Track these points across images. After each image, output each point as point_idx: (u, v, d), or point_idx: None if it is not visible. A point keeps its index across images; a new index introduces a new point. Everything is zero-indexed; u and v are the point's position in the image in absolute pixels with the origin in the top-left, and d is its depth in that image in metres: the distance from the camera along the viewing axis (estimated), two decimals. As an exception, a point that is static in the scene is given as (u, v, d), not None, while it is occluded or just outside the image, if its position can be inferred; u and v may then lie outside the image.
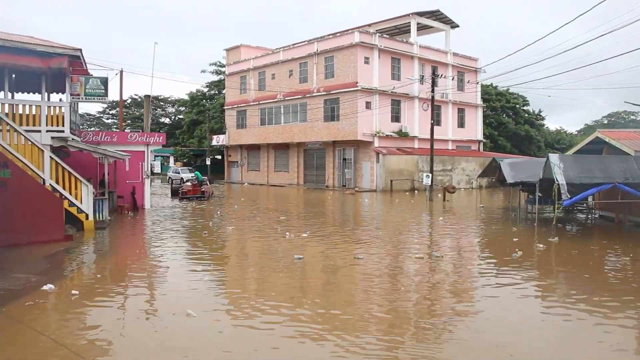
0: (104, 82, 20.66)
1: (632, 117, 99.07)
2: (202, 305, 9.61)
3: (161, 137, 28.15)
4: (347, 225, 22.11)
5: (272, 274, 12.74)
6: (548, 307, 10.11)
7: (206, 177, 40.21)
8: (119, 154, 21.67)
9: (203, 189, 34.20)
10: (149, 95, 28.14)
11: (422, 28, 49.49)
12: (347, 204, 32.40)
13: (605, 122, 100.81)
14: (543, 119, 72.21)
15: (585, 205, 26.24)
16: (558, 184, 18.31)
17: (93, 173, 22.89)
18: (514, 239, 18.29)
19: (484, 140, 55.82)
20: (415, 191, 42.27)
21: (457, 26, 50.25)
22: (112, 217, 22.02)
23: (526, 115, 67.72)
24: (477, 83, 50.18)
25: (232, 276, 12.77)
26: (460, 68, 49.29)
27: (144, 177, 27.07)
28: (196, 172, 39.83)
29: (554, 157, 19.61)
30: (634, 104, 28.84)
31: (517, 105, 66.89)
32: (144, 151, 27.11)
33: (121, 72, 32.04)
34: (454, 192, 34.44)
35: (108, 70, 71.17)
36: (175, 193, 35.34)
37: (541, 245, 16.86)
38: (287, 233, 18.73)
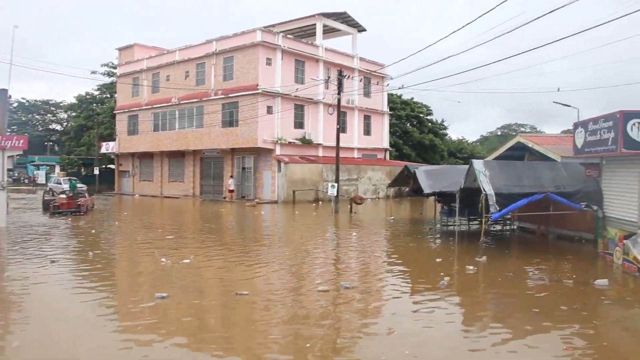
0: None
1: (522, 128, 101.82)
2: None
3: (21, 141, 23.07)
4: (241, 245, 18.34)
5: (112, 325, 8.83)
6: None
7: (85, 188, 34.98)
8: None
9: (79, 202, 29.11)
10: (5, 90, 23.07)
11: (328, 31, 46.55)
12: (245, 218, 28.57)
13: (499, 133, 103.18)
14: (446, 128, 71.59)
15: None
16: (485, 194, 15.53)
17: None
18: (437, 259, 15.40)
19: (390, 149, 53.64)
20: (320, 202, 39.06)
21: (365, 30, 47.73)
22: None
23: (430, 124, 66.65)
24: (387, 85, 47.37)
25: (52, 337, 8.59)
26: (367, 73, 46.68)
27: (-4, 189, 22.02)
28: (72, 181, 34.51)
29: (478, 164, 16.88)
30: (562, 104, 27.49)
31: (421, 115, 65.67)
32: (-3, 157, 22.05)
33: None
34: (361, 203, 31.43)
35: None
36: (46, 207, 29.92)
37: (471, 267, 14.04)
38: (164, 259, 14.76)
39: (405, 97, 64.51)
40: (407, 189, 26.77)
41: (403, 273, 13.98)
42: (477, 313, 10.24)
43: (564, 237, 19.87)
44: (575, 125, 16.34)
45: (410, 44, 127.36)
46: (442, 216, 23.69)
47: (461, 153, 69.88)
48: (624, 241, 14.30)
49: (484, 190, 15.62)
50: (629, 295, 11.77)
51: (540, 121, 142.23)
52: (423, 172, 21.36)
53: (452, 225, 23.68)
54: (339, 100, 31.17)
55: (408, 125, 63.79)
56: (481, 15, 17.81)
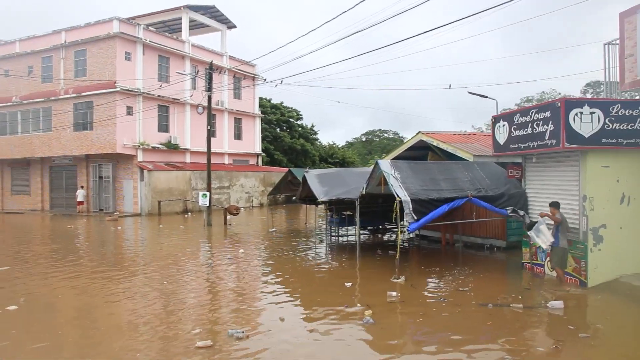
0: None
1: (385, 134, 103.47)
2: None
3: None
4: (95, 275, 13.85)
5: None
6: None
7: None
8: None
9: None
10: None
11: (196, 26, 42.28)
12: (103, 236, 23.58)
13: (363, 139, 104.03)
14: (316, 133, 69.60)
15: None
16: (400, 201, 12.64)
17: None
18: (346, 284, 12.20)
19: (262, 154, 50.31)
20: (189, 213, 34.75)
21: (235, 27, 43.98)
22: None
23: (300, 129, 64.32)
24: (264, 80, 43.42)
25: None
26: (238, 73, 42.88)
27: None
28: None
29: (384, 165, 14.01)
30: (479, 95, 25.59)
31: (292, 119, 63.18)
32: None
33: None
34: (237, 213, 27.71)
35: None
36: None
37: (394, 294, 11.07)
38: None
39: (275, 101, 61.85)
40: (293, 197, 23.62)
41: (310, 306, 10.51)
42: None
43: (473, 245, 17.68)
44: (496, 119, 13.96)
45: (282, 44, 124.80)
46: (332, 226, 20.78)
47: (332, 158, 68.33)
48: (529, 232, 12.26)
49: (398, 195, 12.72)
50: (599, 322, 9.26)
51: (403, 127, 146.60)
52: (315, 177, 18.17)
53: (344, 236, 20.87)
54: (209, 98, 27.18)
55: (278, 130, 61.01)
56: (338, 15, 16.00)
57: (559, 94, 70.17)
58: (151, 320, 9.41)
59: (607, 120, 11.23)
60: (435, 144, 17.71)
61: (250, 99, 46.27)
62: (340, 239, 20.50)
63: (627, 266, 11.70)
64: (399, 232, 13.13)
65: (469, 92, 25.56)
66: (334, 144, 75.83)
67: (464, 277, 12.81)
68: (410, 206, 12.56)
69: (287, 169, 26.43)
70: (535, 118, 12.01)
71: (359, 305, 10.21)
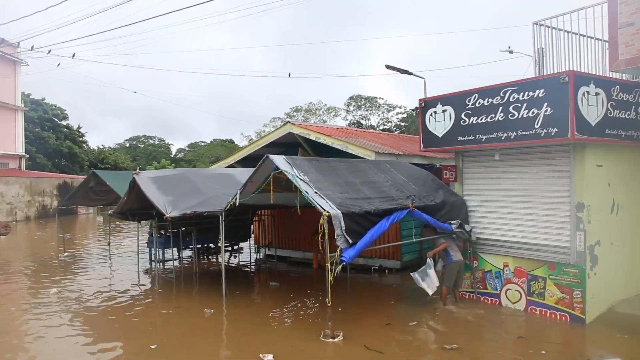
0: None
1: (151, 140, 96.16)
2: None
3: None
4: None
5: None
6: None
7: None
8: None
9: None
10: None
11: None
12: None
13: (127, 145, 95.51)
14: (83, 135, 59.79)
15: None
16: (329, 216, 8.11)
17: None
18: (264, 357, 7.37)
19: (26, 156, 40.58)
20: None
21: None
22: None
23: (66, 130, 54.43)
24: (27, 63, 34.60)
25: None
26: (-6, 55, 33.22)
27: None
28: None
29: (281, 163, 9.29)
30: (399, 70, 20.86)
31: (56, 118, 53.08)
32: None
33: None
34: (7, 232, 19.93)
35: None
36: None
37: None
38: None
39: (36, 96, 51.30)
40: (53, 208, 17.23)
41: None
42: None
43: (354, 266, 13.76)
44: (427, 103, 10.23)
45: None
46: (151, 248, 15.21)
47: (103, 163, 59.33)
48: (413, 274, 9.43)
49: (321, 208, 8.14)
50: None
51: (168, 134, 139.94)
52: (151, 182, 12.40)
53: (169, 260, 15.40)
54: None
55: (40, 129, 50.51)
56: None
57: (325, 105, 68.27)
58: None
59: (609, 106, 8.33)
60: (313, 137, 13.33)
61: (10, 87, 36.59)
62: (156, 264, 15.02)
63: (616, 292, 8.97)
64: (328, 264, 8.44)
65: (386, 66, 21.35)
66: (104, 147, 66.66)
67: (415, 325, 8.73)
68: (343, 224, 8.13)
69: (57, 174, 19.49)
70: (513, 99, 8.59)
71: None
